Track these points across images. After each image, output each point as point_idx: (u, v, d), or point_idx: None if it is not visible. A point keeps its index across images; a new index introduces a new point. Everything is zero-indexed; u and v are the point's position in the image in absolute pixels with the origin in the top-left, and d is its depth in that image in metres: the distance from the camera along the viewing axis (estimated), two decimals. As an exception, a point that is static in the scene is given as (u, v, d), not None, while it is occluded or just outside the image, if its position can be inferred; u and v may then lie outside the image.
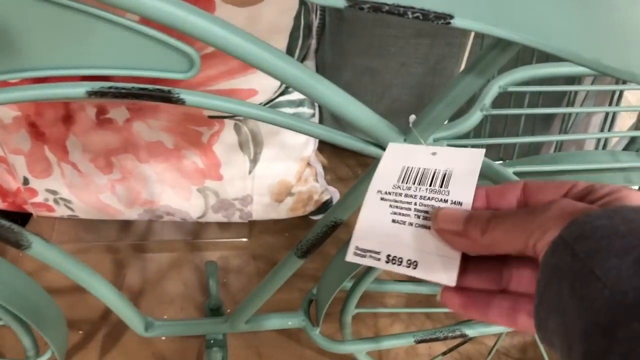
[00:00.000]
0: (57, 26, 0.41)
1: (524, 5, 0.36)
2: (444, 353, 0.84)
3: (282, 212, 1.09)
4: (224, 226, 1.11)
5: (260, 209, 1.07)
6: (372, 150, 0.54)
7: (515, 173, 0.51)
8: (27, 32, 0.41)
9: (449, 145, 0.53)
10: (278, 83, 0.94)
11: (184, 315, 0.98)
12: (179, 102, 0.46)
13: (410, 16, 0.37)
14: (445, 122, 0.59)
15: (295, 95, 0.98)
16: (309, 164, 1.06)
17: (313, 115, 1.02)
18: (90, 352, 0.94)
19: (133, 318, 0.70)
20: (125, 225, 1.12)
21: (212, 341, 0.75)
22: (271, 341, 0.95)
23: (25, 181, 0.99)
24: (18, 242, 0.57)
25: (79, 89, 0.45)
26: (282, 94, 0.97)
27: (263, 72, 0.43)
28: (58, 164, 0.97)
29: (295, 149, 1.02)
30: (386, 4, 0.36)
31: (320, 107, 1.07)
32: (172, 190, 1.01)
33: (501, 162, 0.59)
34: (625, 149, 0.64)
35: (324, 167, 1.16)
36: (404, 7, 0.36)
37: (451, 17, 0.36)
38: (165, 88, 0.46)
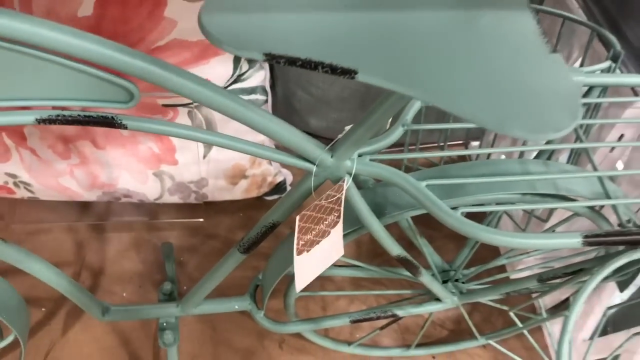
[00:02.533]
0: (13, 66, 0.45)
1: (418, 65, 0.42)
2: (381, 328, 0.92)
3: (237, 193, 1.14)
4: (180, 207, 1.17)
5: (215, 191, 1.12)
6: (303, 164, 0.60)
7: (428, 186, 0.57)
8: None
9: (371, 160, 0.59)
10: (230, 72, 0.98)
11: (142, 293, 1.04)
12: (122, 127, 0.51)
13: (321, 70, 0.42)
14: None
15: (248, 83, 1.02)
16: (262, 148, 1.11)
17: (266, 101, 1.06)
18: (54, 329, 0.99)
19: (90, 305, 0.76)
20: (85, 206, 1.16)
21: (164, 324, 0.82)
22: (225, 316, 1.01)
23: (-16, 166, 1.02)
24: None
25: (29, 117, 0.49)
26: (235, 81, 1.01)
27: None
28: (16, 149, 1.01)
29: (249, 133, 1.06)
30: (300, 59, 0.42)
31: (272, 93, 1.11)
32: (129, 174, 1.05)
33: (415, 172, 0.64)
34: (538, 155, 0.71)
35: (278, 149, 1.21)
36: (315, 62, 0.42)
37: (355, 72, 0.41)
38: (109, 115, 0.51)
